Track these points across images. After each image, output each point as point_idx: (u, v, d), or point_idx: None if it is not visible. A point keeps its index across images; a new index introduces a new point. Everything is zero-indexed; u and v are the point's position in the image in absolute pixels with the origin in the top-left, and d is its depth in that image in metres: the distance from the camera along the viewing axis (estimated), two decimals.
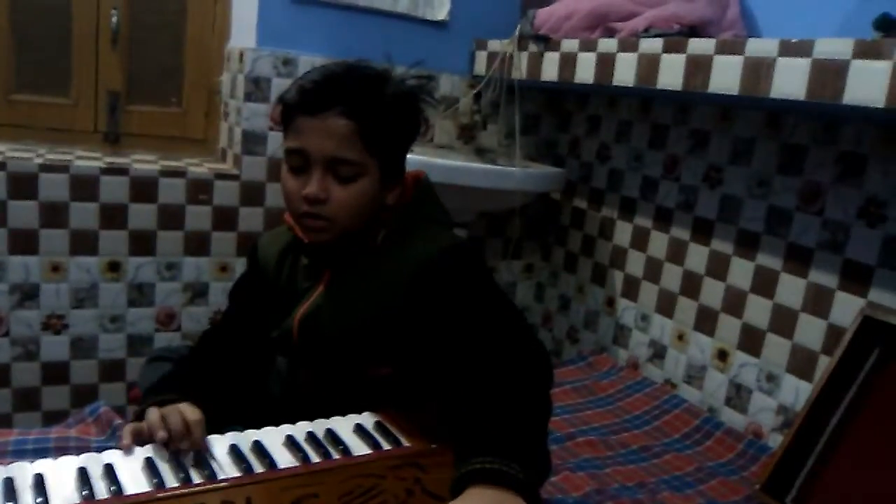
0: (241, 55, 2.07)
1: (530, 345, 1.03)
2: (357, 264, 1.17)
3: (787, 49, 1.39)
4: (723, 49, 1.52)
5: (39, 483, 0.88)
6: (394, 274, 1.12)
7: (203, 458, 0.97)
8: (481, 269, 1.14)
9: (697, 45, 1.59)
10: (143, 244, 2.03)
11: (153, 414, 1.01)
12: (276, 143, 2.10)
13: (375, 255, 1.16)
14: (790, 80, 1.38)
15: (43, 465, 0.92)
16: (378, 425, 1.09)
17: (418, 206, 1.20)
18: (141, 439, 1.01)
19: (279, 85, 2.07)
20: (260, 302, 1.29)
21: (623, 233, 2.23)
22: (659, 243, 2.10)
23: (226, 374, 1.23)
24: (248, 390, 1.28)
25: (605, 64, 1.84)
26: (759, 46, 1.45)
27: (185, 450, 0.98)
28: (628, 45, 1.77)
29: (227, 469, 0.96)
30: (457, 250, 1.13)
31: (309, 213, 1.10)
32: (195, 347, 1.32)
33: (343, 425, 1.08)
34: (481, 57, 2.31)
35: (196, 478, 0.93)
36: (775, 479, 1.51)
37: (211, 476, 0.93)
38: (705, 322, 1.94)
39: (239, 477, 0.94)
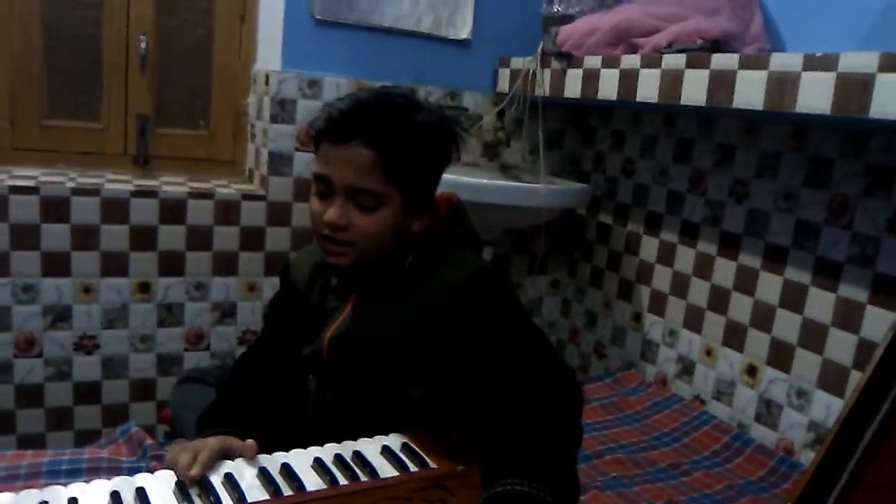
0: (267, 77, 2.10)
1: (560, 371, 1.04)
2: (384, 288, 1.18)
3: (812, 63, 1.38)
4: (746, 64, 1.52)
5: None
6: (421, 298, 1.13)
7: (233, 481, 0.98)
8: (508, 294, 1.15)
9: (721, 61, 1.58)
10: (172, 265, 2.06)
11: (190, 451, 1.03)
12: (302, 163, 2.13)
13: (403, 280, 1.17)
14: (815, 95, 1.37)
15: (76, 489, 0.94)
16: (405, 447, 1.10)
17: (449, 229, 1.21)
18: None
19: (304, 106, 2.10)
20: (294, 320, 1.30)
21: (649, 247, 2.22)
22: (686, 258, 2.08)
23: (268, 401, 1.24)
24: (285, 412, 1.29)
25: (629, 80, 1.84)
26: (783, 61, 1.44)
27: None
28: (651, 61, 1.77)
29: (256, 492, 0.97)
30: (484, 275, 1.13)
31: (330, 237, 1.11)
32: (236, 372, 1.33)
33: (370, 447, 1.09)
34: (504, 74, 2.32)
35: (226, 501, 0.94)
36: (807, 497, 1.47)
37: (240, 499, 0.94)
38: (734, 337, 1.92)
39: (268, 500, 0.95)
